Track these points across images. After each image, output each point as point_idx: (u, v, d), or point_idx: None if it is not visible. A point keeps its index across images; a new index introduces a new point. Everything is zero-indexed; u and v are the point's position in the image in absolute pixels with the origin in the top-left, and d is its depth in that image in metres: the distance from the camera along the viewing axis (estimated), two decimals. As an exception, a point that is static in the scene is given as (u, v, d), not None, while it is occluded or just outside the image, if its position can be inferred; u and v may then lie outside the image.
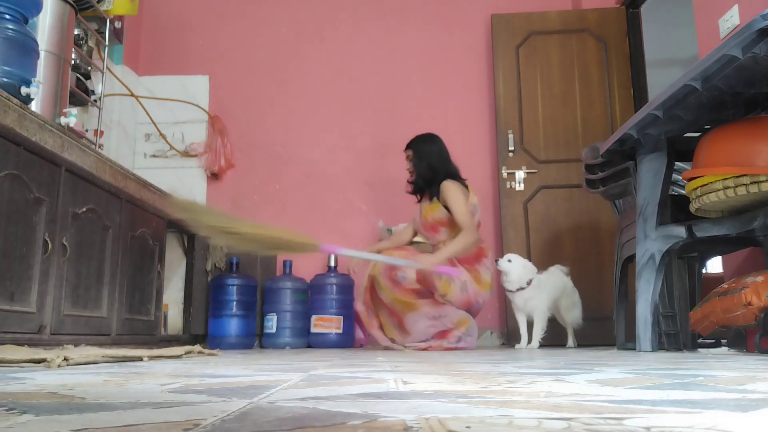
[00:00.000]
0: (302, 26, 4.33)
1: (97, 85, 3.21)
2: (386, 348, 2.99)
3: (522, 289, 3.03)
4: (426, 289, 3.02)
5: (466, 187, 3.10)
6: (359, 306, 3.13)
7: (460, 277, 2.96)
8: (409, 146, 3.21)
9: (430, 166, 3.10)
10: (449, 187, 3.01)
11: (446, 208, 3.02)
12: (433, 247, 3.14)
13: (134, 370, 1.28)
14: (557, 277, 3.17)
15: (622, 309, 2.78)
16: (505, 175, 3.92)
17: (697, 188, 2.04)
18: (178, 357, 1.88)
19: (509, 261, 3.06)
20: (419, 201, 3.24)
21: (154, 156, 4.04)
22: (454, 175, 3.12)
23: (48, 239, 2.08)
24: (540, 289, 3.06)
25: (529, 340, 3.08)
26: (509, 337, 3.76)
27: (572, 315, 3.20)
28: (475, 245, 3.01)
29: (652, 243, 2.30)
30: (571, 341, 3.22)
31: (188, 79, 4.17)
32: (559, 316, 3.23)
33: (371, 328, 3.08)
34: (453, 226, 3.03)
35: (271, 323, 3.56)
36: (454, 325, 2.99)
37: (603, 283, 3.68)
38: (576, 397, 0.69)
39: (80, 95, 2.95)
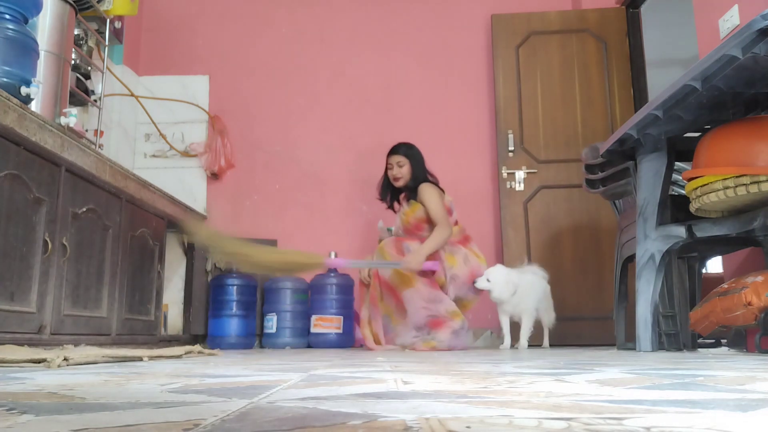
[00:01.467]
0: (302, 26, 4.33)
1: (97, 85, 3.21)
2: (385, 349, 3.00)
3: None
4: (425, 270, 3.05)
5: (441, 190, 3.25)
6: (364, 313, 3.15)
7: (461, 251, 3.13)
8: (400, 152, 3.27)
9: (423, 171, 3.26)
10: (427, 188, 3.17)
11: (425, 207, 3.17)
12: (421, 240, 3.16)
13: (134, 370, 1.28)
14: (539, 280, 3.16)
15: (622, 309, 2.78)
16: (505, 175, 3.92)
17: (697, 188, 2.04)
18: (178, 357, 1.88)
19: (488, 281, 2.98)
20: (390, 207, 3.38)
21: (154, 156, 4.04)
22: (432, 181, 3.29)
23: (48, 239, 2.08)
24: (527, 292, 3.05)
25: (516, 340, 3.08)
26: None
27: (550, 316, 3.20)
28: (452, 237, 3.16)
29: (652, 243, 2.30)
30: (546, 342, 3.20)
31: (188, 79, 4.17)
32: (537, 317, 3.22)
33: (367, 340, 3.08)
34: (432, 223, 3.16)
35: (271, 323, 3.56)
36: (449, 314, 2.97)
37: (603, 283, 3.68)
38: (576, 397, 0.69)
39: (80, 95, 2.95)
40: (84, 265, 2.36)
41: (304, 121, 4.20)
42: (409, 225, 3.20)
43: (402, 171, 3.23)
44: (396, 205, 3.36)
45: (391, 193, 3.35)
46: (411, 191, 3.22)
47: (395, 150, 3.27)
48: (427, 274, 3.05)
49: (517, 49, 4.06)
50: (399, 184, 3.26)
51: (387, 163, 3.30)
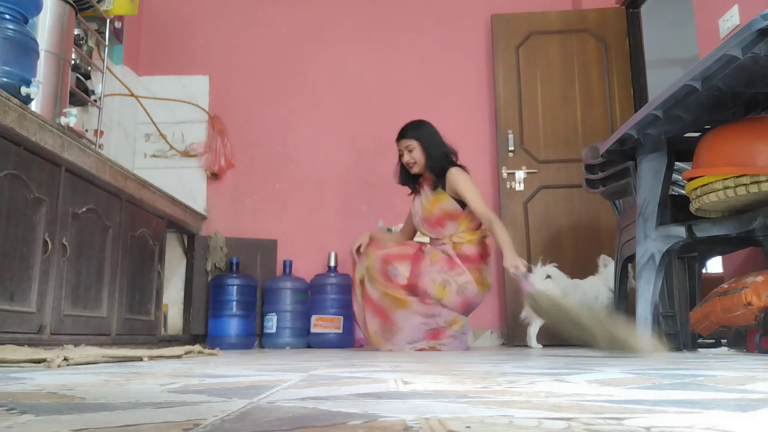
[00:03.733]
0: (302, 26, 4.33)
1: (97, 85, 3.21)
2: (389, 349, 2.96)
3: None
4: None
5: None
6: (356, 305, 3.03)
7: (458, 280, 2.88)
8: (408, 136, 3.00)
9: (440, 150, 2.97)
10: (459, 175, 2.89)
11: (454, 197, 2.91)
12: (434, 242, 3.00)
13: (134, 370, 1.27)
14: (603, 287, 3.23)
15: (622, 309, 2.78)
16: (505, 175, 3.92)
17: (697, 188, 2.04)
18: (178, 357, 1.88)
19: (548, 277, 3.15)
20: (412, 193, 3.13)
21: (154, 156, 4.04)
22: (455, 161, 3.01)
23: (48, 239, 2.08)
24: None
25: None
26: (509, 337, 3.76)
27: None
28: (470, 248, 2.94)
29: (652, 243, 2.30)
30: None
31: (188, 79, 4.17)
32: None
33: (365, 328, 3.02)
34: (461, 219, 2.93)
35: (271, 323, 3.56)
36: (448, 324, 2.90)
37: (603, 283, 3.67)
38: (576, 397, 0.69)
39: (80, 95, 2.95)
40: (84, 265, 2.36)
41: (304, 121, 4.21)
42: (431, 216, 2.96)
43: (414, 156, 2.97)
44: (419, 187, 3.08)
45: (412, 177, 3.08)
46: (437, 176, 2.95)
47: (402, 134, 3.02)
48: (419, 293, 2.89)
49: (517, 49, 4.06)
50: (415, 170, 3.00)
51: (398, 150, 3.05)
